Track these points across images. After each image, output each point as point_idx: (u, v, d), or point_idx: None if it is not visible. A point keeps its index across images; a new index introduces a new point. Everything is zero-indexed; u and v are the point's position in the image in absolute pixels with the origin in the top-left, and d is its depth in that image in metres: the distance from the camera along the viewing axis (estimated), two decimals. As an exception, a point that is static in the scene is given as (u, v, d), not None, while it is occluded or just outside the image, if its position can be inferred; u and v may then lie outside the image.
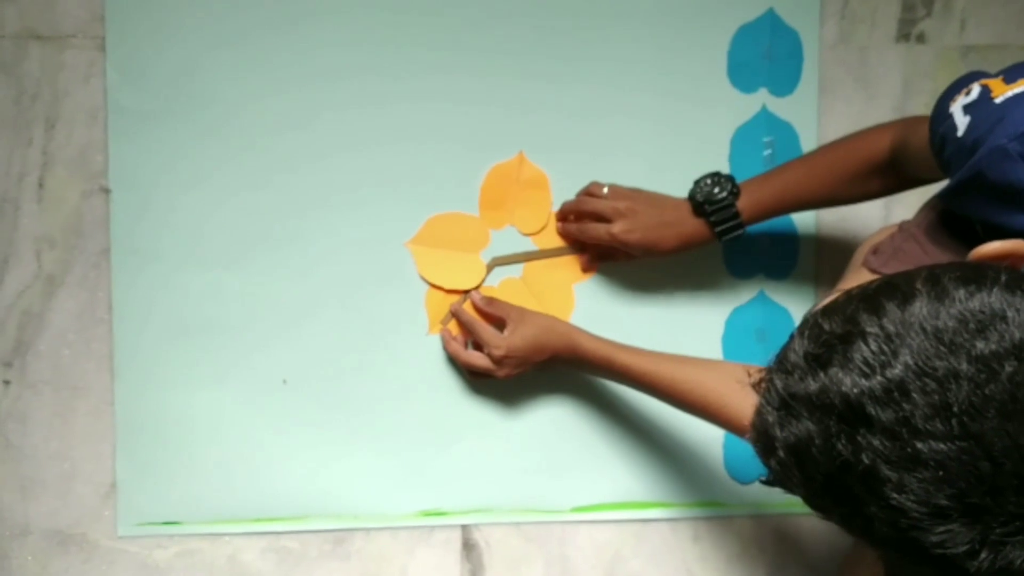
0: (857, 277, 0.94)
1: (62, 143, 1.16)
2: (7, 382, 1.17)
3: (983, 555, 0.54)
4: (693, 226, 1.13)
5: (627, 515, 1.24)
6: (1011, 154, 0.74)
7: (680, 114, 1.23)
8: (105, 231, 1.16)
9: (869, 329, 0.57)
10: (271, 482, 1.19)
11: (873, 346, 0.56)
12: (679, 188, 1.15)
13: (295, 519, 1.19)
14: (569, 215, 1.20)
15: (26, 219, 1.16)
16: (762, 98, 1.24)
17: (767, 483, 0.63)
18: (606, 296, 1.23)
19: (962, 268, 0.59)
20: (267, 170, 1.18)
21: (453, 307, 1.19)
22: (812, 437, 0.57)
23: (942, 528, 0.54)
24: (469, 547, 1.23)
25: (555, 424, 1.23)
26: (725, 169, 1.22)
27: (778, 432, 0.59)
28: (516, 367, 1.14)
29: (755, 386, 0.63)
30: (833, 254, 1.25)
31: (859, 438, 0.55)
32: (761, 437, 0.61)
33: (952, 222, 0.89)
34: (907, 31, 1.27)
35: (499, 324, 1.16)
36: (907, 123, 1.01)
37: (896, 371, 0.55)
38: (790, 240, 1.25)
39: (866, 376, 0.55)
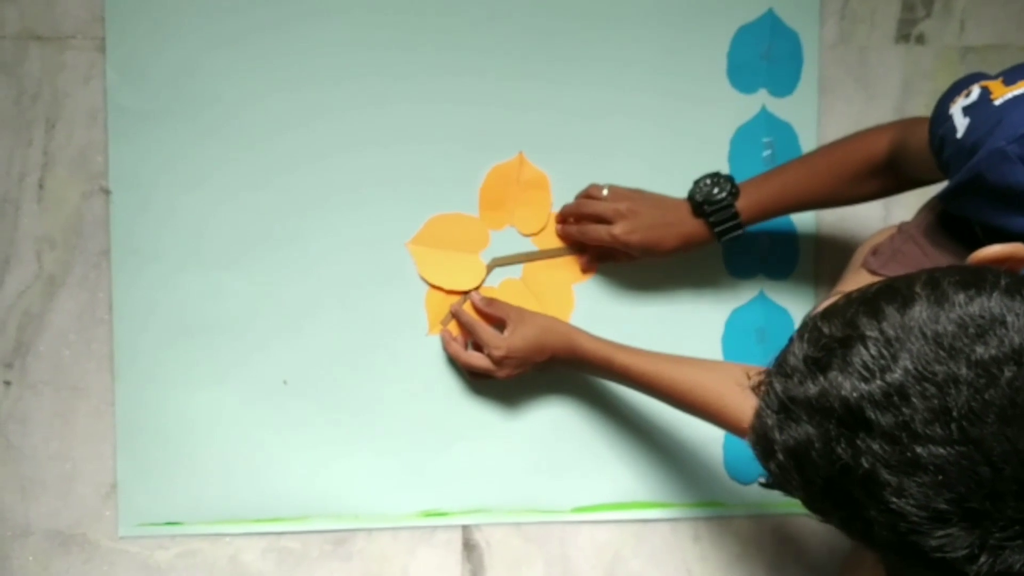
0: (856, 278, 0.94)
1: (62, 144, 1.16)
2: (7, 383, 1.17)
3: (982, 559, 0.54)
4: (693, 226, 1.13)
5: (627, 515, 1.25)
6: (1010, 156, 0.74)
7: (680, 115, 1.23)
8: (105, 231, 1.17)
9: (869, 333, 0.57)
10: (272, 482, 1.19)
11: (873, 350, 0.56)
12: (679, 188, 1.15)
13: (296, 519, 1.20)
14: (569, 217, 1.20)
15: (26, 219, 1.16)
16: (762, 99, 1.24)
17: (766, 486, 0.63)
18: (606, 297, 1.23)
19: (962, 272, 0.59)
20: (267, 170, 1.18)
21: (453, 308, 1.19)
22: (811, 441, 0.57)
23: (941, 532, 0.54)
24: (470, 547, 1.23)
25: (555, 424, 1.23)
26: (725, 169, 1.22)
27: (777, 435, 0.59)
28: (516, 368, 1.14)
29: (754, 389, 0.64)
30: (833, 255, 1.25)
31: (859, 442, 0.55)
32: (760, 440, 0.61)
33: (951, 223, 0.89)
34: (907, 32, 1.27)
35: (499, 325, 1.16)
36: (906, 124, 1.01)
37: (896, 375, 0.55)
38: (790, 241, 1.25)
39: (866, 380, 0.55)
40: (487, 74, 1.20)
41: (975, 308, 0.55)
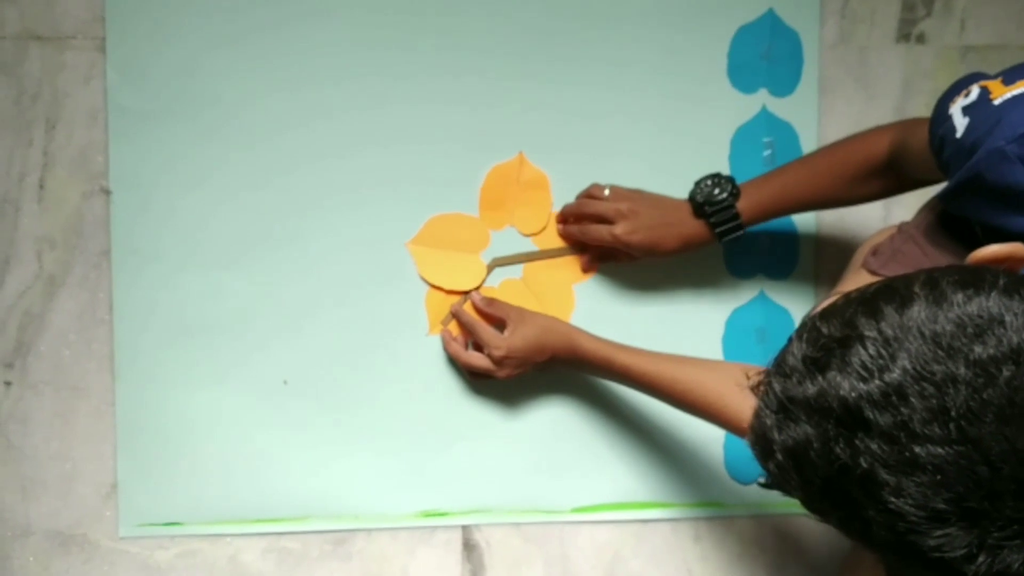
0: (856, 278, 0.94)
1: (62, 144, 1.16)
2: (8, 383, 1.17)
3: (981, 559, 0.54)
4: (693, 227, 1.13)
5: (627, 515, 1.25)
6: (1009, 156, 0.74)
7: (680, 115, 1.23)
8: (105, 232, 1.17)
9: (867, 333, 0.57)
10: (272, 482, 1.19)
11: (871, 350, 0.56)
12: (679, 189, 1.15)
13: (296, 520, 1.20)
14: (570, 217, 1.20)
15: (27, 220, 1.16)
16: (762, 98, 1.24)
17: (765, 486, 0.63)
18: (606, 296, 1.23)
19: (960, 272, 0.59)
20: (267, 170, 1.18)
21: (453, 308, 1.19)
22: (810, 441, 0.57)
23: (940, 532, 0.54)
24: (470, 547, 1.23)
25: (555, 424, 1.23)
26: (725, 169, 1.22)
27: (776, 436, 0.59)
28: (516, 368, 1.14)
29: (753, 389, 0.64)
30: (833, 255, 1.25)
31: (857, 442, 0.55)
32: (759, 440, 0.61)
33: (951, 223, 0.89)
34: (907, 31, 1.27)
35: (499, 325, 1.16)
36: (906, 125, 1.01)
37: (894, 375, 0.55)
38: (790, 241, 1.25)
39: (864, 380, 0.55)
40: (487, 74, 1.20)
41: (973, 308, 0.55)
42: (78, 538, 1.18)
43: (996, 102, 0.78)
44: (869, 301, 0.59)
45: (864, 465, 0.55)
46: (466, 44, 1.20)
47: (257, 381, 1.18)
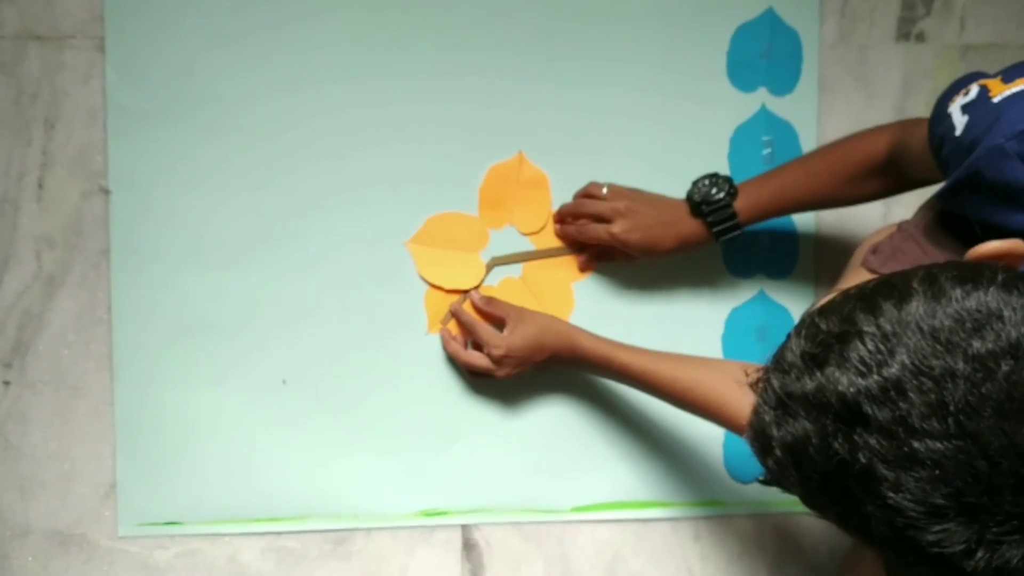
0: (856, 277, 0.93)
1: (61, 143, 1.16)
2: (7, 382, 1.17)
3: (980, 554, 0.54)
4: (691, 226, 1.13)
5: (627, 515, 1.24)
6: (1008, 153, 0.74)
7: (679, 113, 1.23)
8: (105, 231, 1.17)
9: (866, 328, 0.57)
10: (271, 482, 1.19)
11: (870, 345, 0.56)
12: (678, 188, 1.15)
13: (295, 519, 1.20)
14: (567, 217, 1.20)
15: (26, 219, 1.16)
16: (761, 97, 1.24)
17: (764, 483, 0.63)
18: (606, 295, 1.23)
19: (959, 267, 0.59)
20: (266, 170, 1.18)
21: (453, 307, 1.19)
22: (809, 436, 0.57)
23: (938, 527, 0.54)
24: (469, 547, 1.23)
25: (555, 424, 1.22)
26: (724, 168, 1.22)
27: (775, 431, 0.59)
28: (516, 367, 1.14)
29: (752, 386, 0.64)
30: (833, 253, 1.25)
31: (856, 437, 0.55)
32: (758, 436, 0.61)
33: (951, 222, 0.89)
34: (907, 30, 1.27)
35: (499, 324, 1.16)
36: (905, 124, 1.01)
37: (893, 370, 0.55)
38: (790, 239, 1.25)
39: (863, 375, 0.55)
40: (486, 73, 1.20)
41: (972, 303, 0.55)
42: (77, 538, 1.18)
43: (995, 100, 0.78)
44: (868, 297, 0.59)
45: (863, 460, 0.55)
46: (465, 43, 1.20)
47: (256, 380, 1.18)
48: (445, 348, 1.19)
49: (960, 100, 0.82)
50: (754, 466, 0.63)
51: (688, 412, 1.08)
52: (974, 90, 0.81)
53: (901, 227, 0.96)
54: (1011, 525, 0.53)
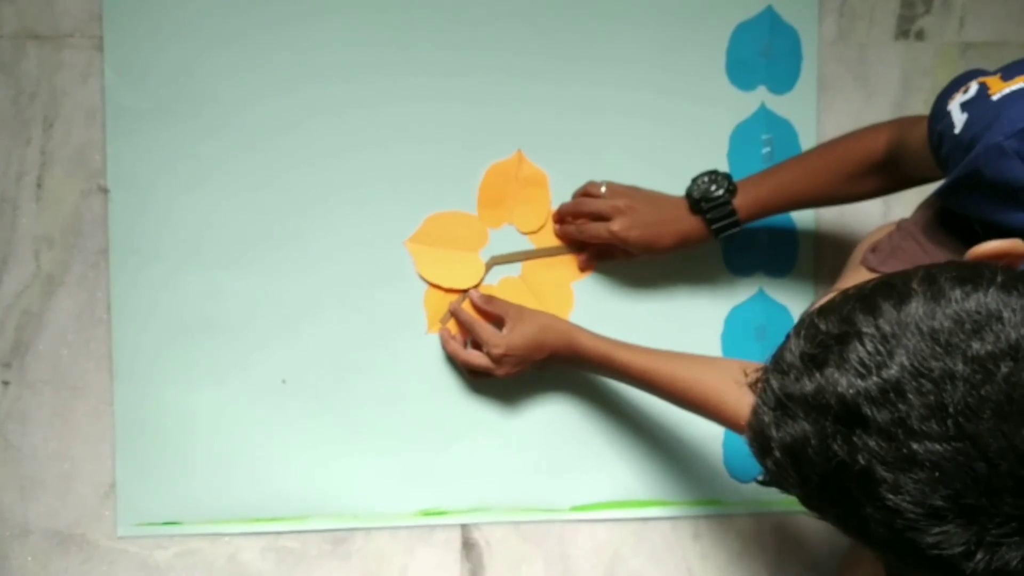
0: (855, 275, 0.93)
1: (60, 142, 1.16)
2: (6, 382, 1.17)
3: (979, 556, 0.54)
4: (690, 223, 1.13)
5: (627, 514, 1.24)
6: (1007, 151, 0.74)
7: (679, 112, 1.22)
8: (104, 231, 1.16)
9: (865, 329, 0.57)
10: (271, 482, 1.19)
11: (869, 346, 0.56)
12: (678, 186, 1.15)
13: (295, 519, 1.19)
14: (567, 216, 1.20)
15: (24, 219, 1.16)
16: (761, 96, 1.23)
17: (763, 483, 0.63)
18: (605, 294, 1.23)
19: (959, 268, 0.59)
20: (266, 170, 1.18)
21: (452, 306, 1.19)
22: (808, 438, 0.57)
23: (938, 529, 0.54)
24: (469, 546, 1.23)
25: (554, 423, 1.22)
26: (724, 167, 1.22)
27: (774, 432, 0.59)
28: (515, 366, 1.13)
29: (751, 386, 0.63)
30: (832, 252, 1.25)
31: (855, 439, 0.55)
32: (757, 437, 0.61)
33: (950, 220, 0.89)
34: (906, 28, 1.27)
35: (498, 323, 1.16)
36: (904, 122, 1.01)
37: (892, 372, 0.55)
38: (789, 238, 1.25)
39: (862, 377, 0.55)
40: (485, 72, 1.20)
41: (971, 304, 0.55)
42: (77, 538, 1.18)
43: (995, 98, 0.78)
44: (867, 297, 0.59)
45: (862, 462, 0.55)
46: (464, 42, 1.19)
47: (256, 380, 1.18)
48: (444, 347, 1.19)
49: (959, 98, 0.82)
50: (754, 465, 0.63)
51: (688, 411, 1.08)
52: (973, 88, 0.81)
53: (900, 225, 0.96)
54: (1010, 527, 0.53)
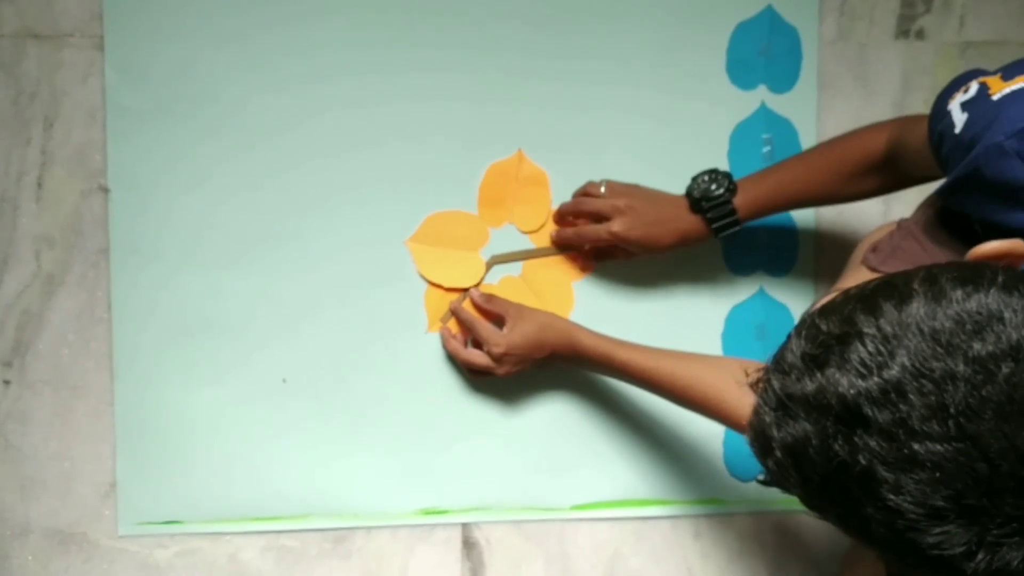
0: (856, 275, 0.93)
1: (61, 142, 1.16)
2: (7, 382, 1.17)
3: (980, 556, 0.54)
4: (690, 223, 1.13)
5: (627, 513, 1.24)
6: (1007, 151, 0.74)
7: (679, 111, 1.22)
8: (104, 230, 1.16)
9: (866, 330, 0.57)
10: (271, 481, 1.19)
11: (870, 347, 0.56)
12: (678, 185, 1.15)
13: (295, 518, 1.20)
14: (567, 217, 1.20)
15: (25, 218, 1.16)
16: (761, 95, 1.23)
17: (764, 483, 0.63)
18: (606, 293, 1.23)
19: (960, 268, 0.59)
20: (266, 169, 1.18)
21: (452, 305, 1.19)
22: (809, 438, 0.57)
23: (939, 529, 0.54)
24: (469, 545, 1.23)
25: (555, 422, 1.22)
26: (724, 166, 1.22)
27: (775, 432, 0.59)
28: (516, 364, 1.13)
29: (752, 386, 0.63)
30: (832, 251, 1.25)
31: (856, 439, 0.55)
32: (758, 437, 0.61)
33: (950, 219, 0.89)
34: (906, 27, 1.27)
35: (498, 321, 1.16)
36: (904, 121, 1.01)
37: (893, 372, 0.55)
38: (789, 237, 1.25)
39: (863, 377, 0.55)
40: (486, 71, 1.20)
41: (972, 304, 0.55)
42: (77, 537, 1.18)
43: (995, 98, 0.78)
44: (868, 298, 0.59)
45: (863, 462, 0.55)
46: (464, 41, 1.19)
47: (256, 380, 1.18)
48: (445, 346, 1.19)
49: (960, 97, 0.82)
50: (754, 464, 0.63)
51: (688, 409, 1.08)
52: (974, 87, 0.81)
53: (901, 225, 0.96)
54: (1011, 527, 0.53)
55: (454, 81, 1.19)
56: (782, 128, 1.24)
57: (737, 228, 1.12)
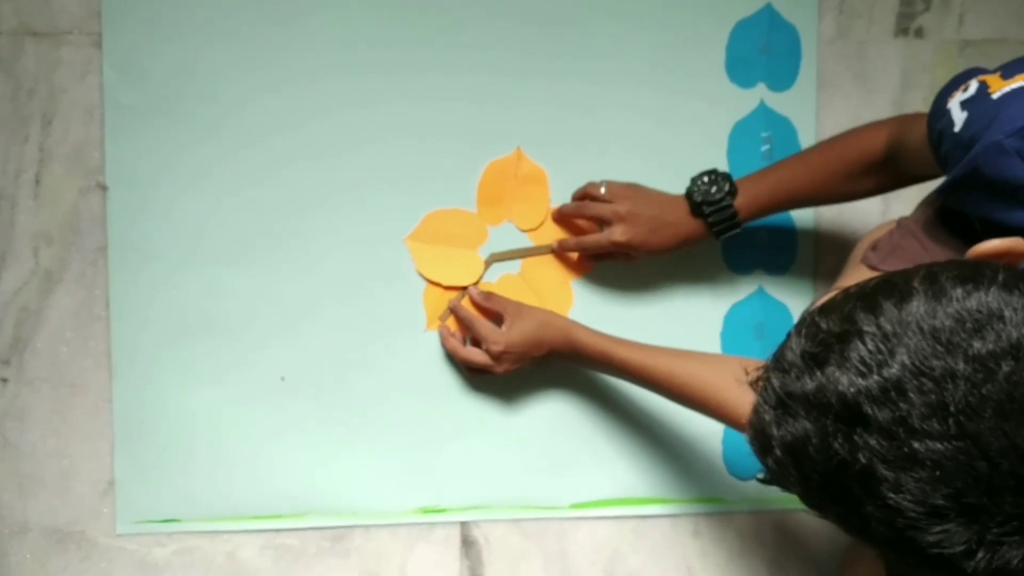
0: (856, 273, 0.93)
1: (59, 140, 1.16)
2: (5, 380, 1.16)
3: (980, 555, 0.54)
4: (691, 226, 1.13)
5: (626, 511, 1.24)
6: (1007, 150, 0.74)
7: (678, 109, 1.22)
8: (102, 228, 1.16)
9: (866, 328, 0.57)
10: (270, 479, 1.19)
11: (870, 345, 0.56)
12: (677, 184, 1.15)
13: (294, 516, 1.19)
14: (569, 219, 1.20)
15: (23, 216, 1.16)
16: (760, 93, 1.23)
17: (764, 481, 0.63)
18: (605, 292, 1.23)
19: (960, 267, 0.59)
20: (265, 168, 1.17)
21: (451, 303, 1.19)
22: (809, 436, 0.57)
23: (939, 528, 0.54)
24: (468, 544, 1.23)
25: (554, 420, 1.22)
26: (723, 164, 1.22)
27: (775, 431, 0.59)
28: (514, 362, 1.13)
29: (752, 384, 0.63)
30: (832, 250, 1.25)
31: (856, 437, 0.55)
32: (758, 436, 0.61)
33: (950, 218, 0.89)
34: (905, 26, 1.26)
35: (497, 320, 1.15)
36: (903, 120, 1.01)
37: (893, 370, 0.55)
38: (789, 236, 1.25)
39: (863, 375, 0.55)
40: (485, 70, 1.20)
41: (973, 303, 0.55)
42: (75, 535, 1.18)
43: (995, 96, 0.78)
44: (868, 296, 0.59)
45: (863, 461, 0.55)
46: (463, 40, 1.19)
47: (255, 378, 1.18)
48: (444, 344, 1.19)
49: (959, 96, 0.82)
50: (753, 463, 0.63)
51: (687, 407, 1.08)
52: (973, 86, 0.81)
53: (900, 223, 0.96)
54: (1011, 526, 0.53)
55: (453, 80, 1.19)
56: (781, 126, 1.24)
57: (738, 230, 1.12)
